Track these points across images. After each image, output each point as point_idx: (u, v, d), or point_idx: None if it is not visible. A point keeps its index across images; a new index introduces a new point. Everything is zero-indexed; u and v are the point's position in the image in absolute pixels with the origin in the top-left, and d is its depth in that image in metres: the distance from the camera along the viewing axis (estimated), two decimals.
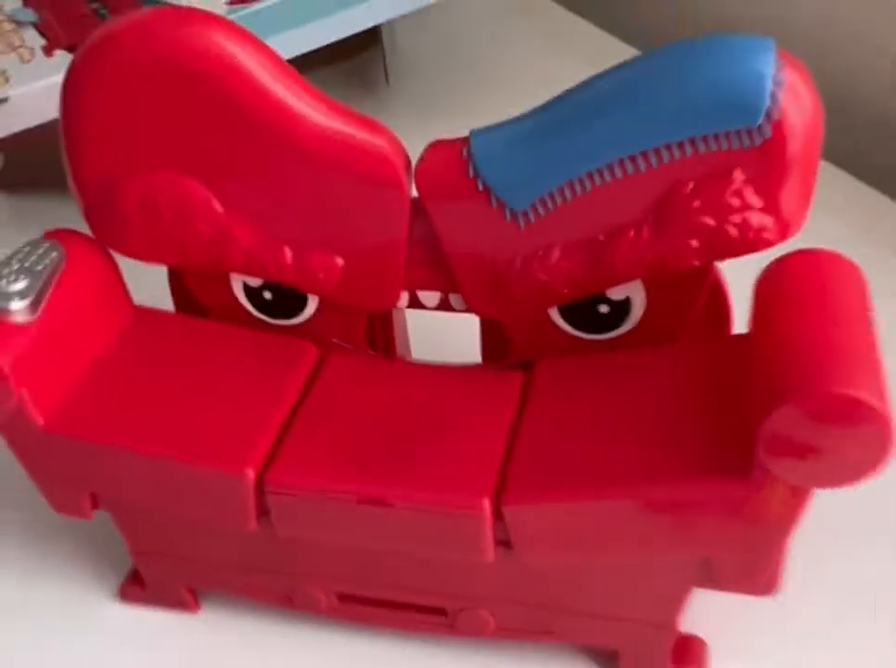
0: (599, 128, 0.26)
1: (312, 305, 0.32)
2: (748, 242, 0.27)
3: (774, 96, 0.25)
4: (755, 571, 0.26)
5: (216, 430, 0.29)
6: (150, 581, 0.33)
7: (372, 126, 0.29)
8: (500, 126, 0.28)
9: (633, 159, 0.26)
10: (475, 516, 0.27)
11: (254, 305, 0.33)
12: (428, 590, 0.30)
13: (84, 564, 0.35)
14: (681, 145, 0.26)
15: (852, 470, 0.23)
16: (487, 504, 0.27)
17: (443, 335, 0.35)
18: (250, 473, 0.28)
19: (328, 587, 0.31)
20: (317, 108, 0.28)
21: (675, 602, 0.28)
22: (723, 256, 0.28)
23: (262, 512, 0.29)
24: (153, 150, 0.29)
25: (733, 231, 0.27)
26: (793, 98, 0.25)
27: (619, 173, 0.27)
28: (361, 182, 0.29)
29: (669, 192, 0.27)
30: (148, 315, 0.33)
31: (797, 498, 0.25)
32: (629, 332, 0.30)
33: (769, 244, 0.27)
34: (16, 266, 0.30)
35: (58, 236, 0.32)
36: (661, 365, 0.29)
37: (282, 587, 0.32)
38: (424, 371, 0.32)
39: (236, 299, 0.33)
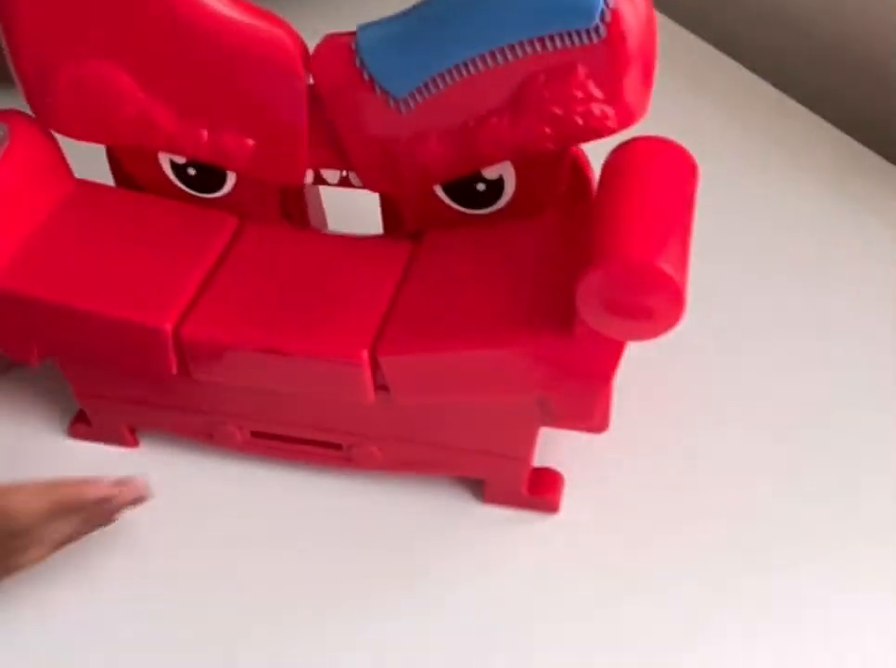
0: (459, 26, 0.30)
1: (231, 180, 0.36)
2: (593, 129, 0.31)
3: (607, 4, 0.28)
4: (587, 412, 0.31)
5: (141, 288, 0.34)
6: (94, 420, 0.38)
7: (271, 18, 0.32)
8: (382, 22, 0.32)
9: (491, 54, 0.30)
10: (354, 364, 0.32)
11: (181, 180, 0.37)
12: (325, 427, 0.36)
13: (37, 409, 0.40)
14: (529, 42, 0.30)
15: (652, 328, 0.28)
16: (365, 354, 0.32)
17: (355, 209, 0.39)
18: (168, 326, 0.33)
19: (243, 425, 0.36)
20: (223, 1, 0.32)
21: (526, 438, 0.33)
22: (573, 141, 0.32)
23: (181, 360, 0.34)
24: (81, 39, 0.33)
25: (578, 119, 0.30)
26: (626, 1, 0.29)
27: (479, 66, 0.30)
28: (262, 68, 0.33)
29: (523, 84, 0.30)
30: (89, 188, 0.37)
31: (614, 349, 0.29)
32: (504, 207, 0.34)
33: (611, 131, 0.31)
34: None
35: (3, 116, 0.35)
36: (526, 235, 0.33)
37: (204, 425, 0.37)
38: (328, 240, 0.36)
39: (165, 175, 0.37)
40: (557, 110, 0.30)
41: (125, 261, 0.35)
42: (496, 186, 0.34)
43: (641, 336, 0.28)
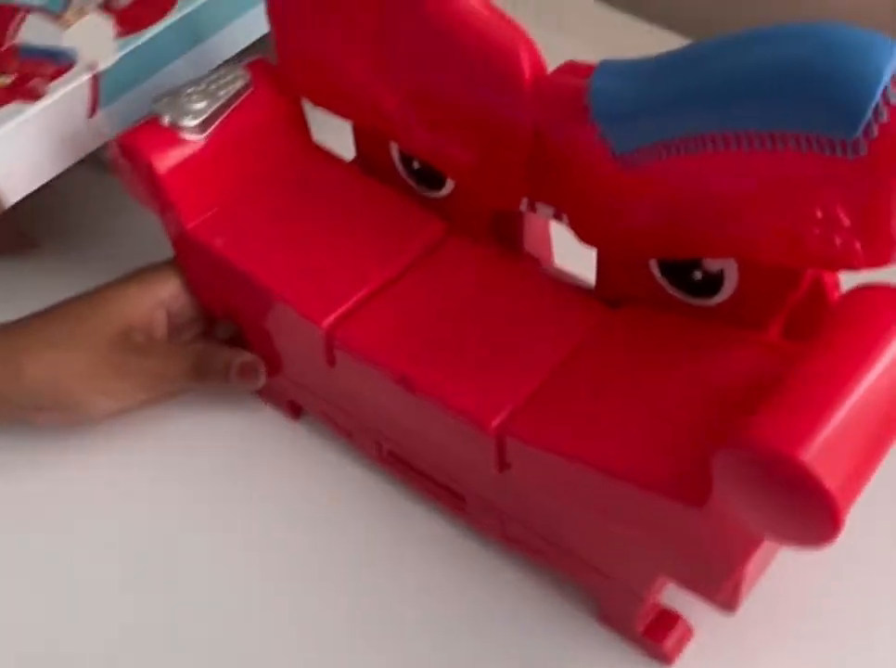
0: (708, 95, 0.24)
1: (449, 185, 0.33)
2: (832, 258, 0.24)
3: (878, 110, 0.22)
4: (712, 588, 0.26)
5: (318, 278, 0.32)
6: (263, 389, 0.38)
7: (515, 30, 0.29)
8: (627, 63, 0.27)
9: (735, 136, 0.24)
10: (481, 432, 0.28)
11: (406, 170, 0.35)
12: (454, 477, 0.32)
13: None
14: (778, 137, 0.23)
15: (796, 535, 0.22)
16: (494, 425, 0.28)
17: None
18: (324, 325, 0.31)
19: (383, 441, 0.34)
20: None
21: (647, 577, 0.28)
22: (802, 264, 0.25)
23: (333, 360, 0.32)
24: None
25: (813, 243, 0.24)
26: None
27: (716, 146, 0.25)
28: (494, 81, 0.29)
29: (759, 181, 0.24)
30: (321, 157, 0.36)
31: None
32: (720, 304, 0.29)
33: (855, 267, 0.24)
34: (202, 87, 0.34)
35: (252, 66, 0.35)
36: (732, 350, 0.28)
37: (348, 425, 0.35)
38: (524, 275, 0.32)
39: (393, 162, 0.35)
40: (786, 224, 0.24)
41: (317, 243, 0.33)
42: (715, 280, 0.28)
43: (786, 539, 0.22)
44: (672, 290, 0.30)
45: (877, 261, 0.24)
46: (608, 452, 0.26)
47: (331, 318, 0.31)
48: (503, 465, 0.29)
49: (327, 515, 0.35)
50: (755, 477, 0.21)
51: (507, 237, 0.34)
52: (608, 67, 0.27)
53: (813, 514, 0.21)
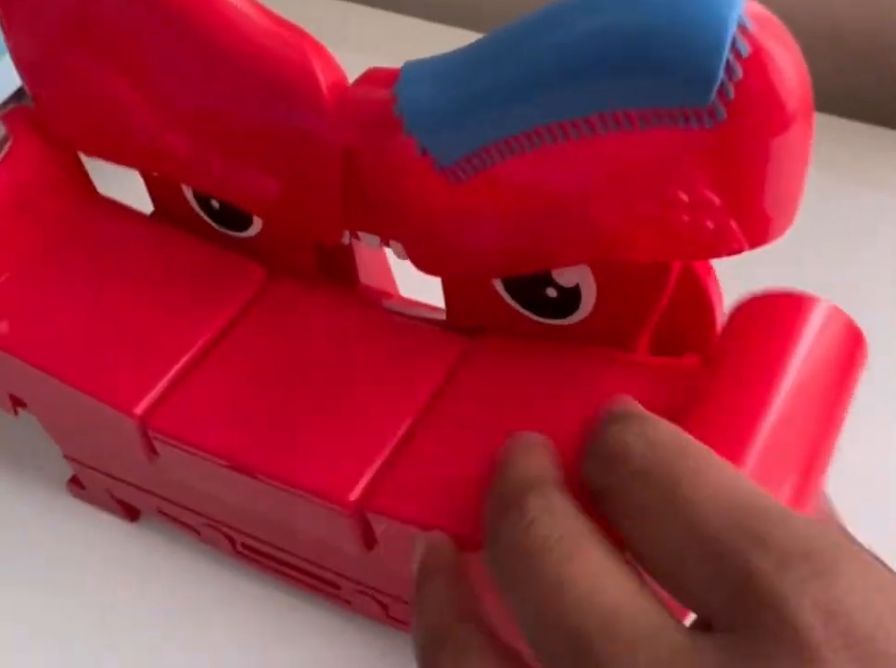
0: (528, 83, 0.20)
1: (258, 223, 0.29)
2: (707, 246, 0.21)
3: (731, 67, 0.18)
4: None
5: (121, 353, 0.27)
6: (87, 484, 0.32)
7: (295, 32, 0.24)
8: (434, 60, 0.23)
9: (571, 124, 0.20)
10: (339, 511, 0.24)
11: (204, 211, 0.30)
12: (319, 564, 0.28)
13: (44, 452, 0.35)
14: (621, 115, 0.20)
15: None
16: (353, 499, 0.23)
17: None
18: (137, 413, 0.26)
19: (233, 534, 0.29)
20: (249, 10, 0.24)
21: None
22: (676, 257, 0.22)
23: (154, 451, 0.27)
24: (81, 38, 0.26)
25: (682, 231, 0.21)
26: (761, 71, 0.18)
27: (554, 139, 0.21)
28: (288, 97, 0.24)
29: (609, 171, 0.21)
30: (108, 209, 0.31)
31: None
32: (580, 323, 0.25)
33: (734, 251, 0.21)
34: None
35: (9, 118, 0.29)
36: (595, 377, 0.24)
37: (191, 521, 0.30)
38: (365, 316, 0.28)
39: (189, 205, 0.30)
40: (650, 212, 0.21)
41: (117, 312, 0.28)
42: (571, 295, 0.25)
43: None
44: (525, 312, 0.26)
45: (759, 239, 0.20)
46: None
47: (143, 404, 0.26)
48: (369, 542, 0.24)
49: (201, 628, 0.30)
50: None
51: (338, 273, 0.30)
52: (413, 70, 0.23)
53: None
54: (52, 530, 0.33)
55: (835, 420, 0.20)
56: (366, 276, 0.30)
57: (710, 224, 0.20)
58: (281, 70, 0.24)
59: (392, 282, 0.32)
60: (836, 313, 0.22)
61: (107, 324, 0.28)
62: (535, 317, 0.25)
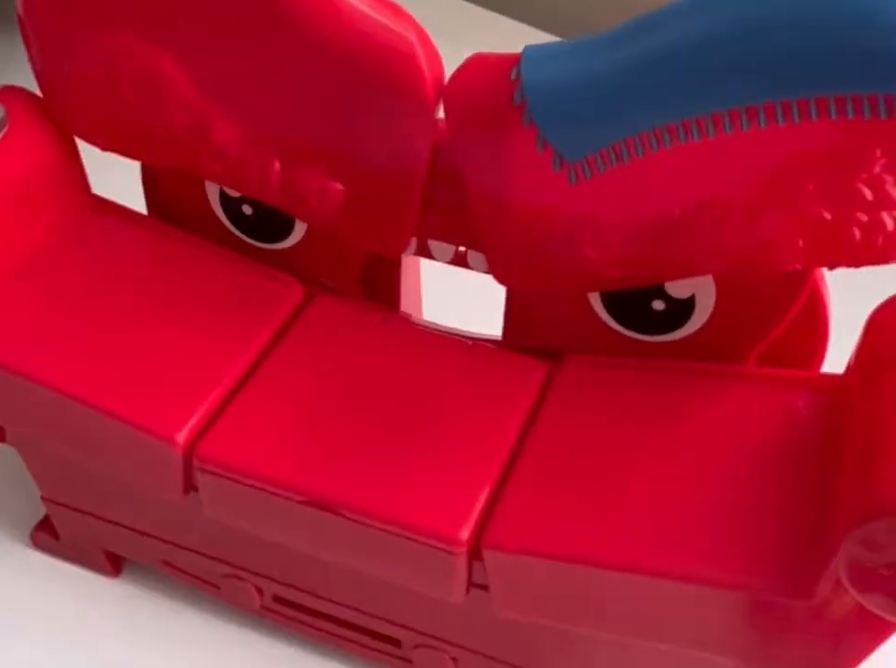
0: (693, 69, 0.19)
1: (299, 231, 0.26)
2: (875, 251, 0.19)
3: None
4: None
5: (154, 377, 0.23)
6: (64, 533, 0.28)
7: (400, 15, 0.22)
8: (564, 48, 0.21)
9: (731, 114, 0.19)
10: (448, 551, 0.21)
11: (231, 219, 0.27)
12: (383, 616, 0.24)
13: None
14: (802, 104, 0.19)
15: None
16: (465, 539, 0.21)
17: (465, 295, 0.28)
18: (181, 439, 0.22)
19: (265, 585, 0.25)
20: None
21: None
22: (835, 263, 0.20)
23: (192, 485, 0.23)
24: (117, 8, 0.23)
25: (855, 232, 0.19)
26: None
27: (709, 131, 0.20)
28: (377, 84, 0.22)
29: (776, 167, 0.19)
30: (110, 211, 0.27)
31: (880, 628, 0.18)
32: (685, 339, 0.23)
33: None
34: None
35: (5, 96, 0.25)
36: (724, 395, 0.22)
37: (210, 573, 0.26)
38: (426, 338, 0.25)
39: (210, 209, 0.27)
40: (826, 214, 0.19)
41: (139, 328, 0.24)
42: (682, 309, 0.23)
43: None
44: (620, 328, 0.24)
45: None
46: (634, 548, 0.19)
47: (186, 430, 0.22)
48: (474, 585, 0.21)
49: None
50: None
51: (378, 294, 0.27)
52: (539, 52, 0.21)
53: None
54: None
55: None
56: (404, 298, 0.27)
57: (889, 225, 0.19)
58: (383, 59, 0.22)
59: (421, 308, 0.29)
60: None
61: (130, 344, 0.24)
62: (631, 334, 0.24)
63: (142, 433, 0.22)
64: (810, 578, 0.18)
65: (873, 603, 0.17)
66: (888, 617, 0.18)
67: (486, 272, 0.24)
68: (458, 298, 0.29)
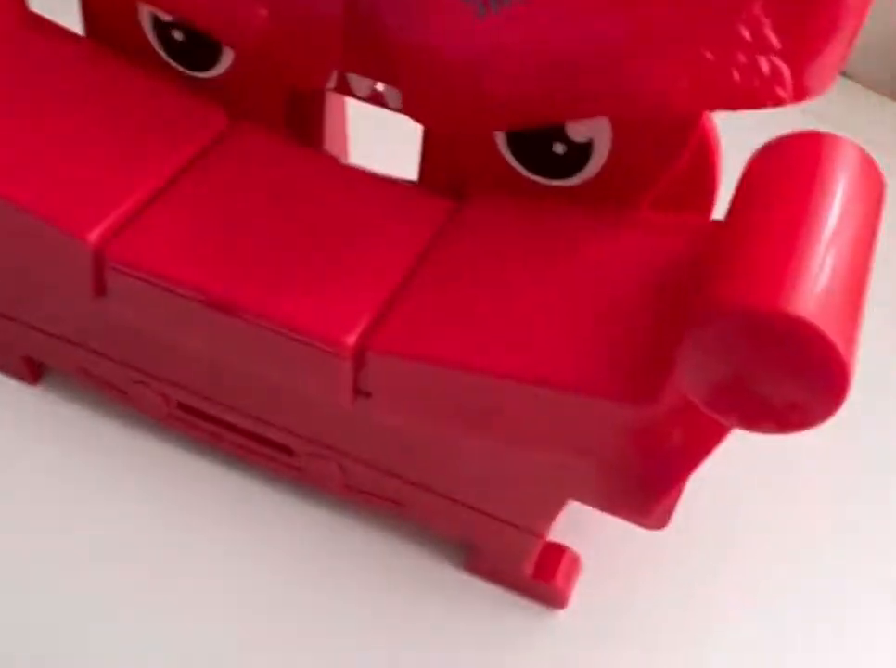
0: None
1: (227, 59, 0.27)
2: (752, 93, 0.21)
3: None
4: (647, 502, 0.22)
5: (73, 183, 0.24)
6: None
7: None
8: None
9: None
10: (333, 352, 0.22)
11: (163, 46, 0.27)
12: (278, 423, 0.26)
13: None
14: None
15: (792, 419, 0.18)
16: (351, 342, 0.22)
17: (391, 140, 0.29)
18: (92, 238, 0.23)
19: (169, 391, 0.27)
20: None
21: (548, 509, 0.24)
22: (716, 105, 0.21)
23: (103, 287, 0.24)
24: None
25: (735, 73, 0.20)
26: None
27: None
28: None
29: (661, 7, 0.20)
30: (45, 29, 0.27)
31: (711, 431, 0.19)
32: (584, 183, 0.24)
33: (778, 101, 0.21)
34: None
35: None
36: (608, 234, 0.23)
37: (118, 378, 0.27)
38: (343, 172, 0.26)
39: (144, 34, 0.27)
40: (708, 54, 0.20)
41: (67, 141, 0.25)
42: (580, 152, 0.24)
43: (769, 427, 0.18)
44: (523, 170, 0.25)
45: (802, 92, 0.21)
46: (513, 358, 0.21)
47: (98, 230, 0.24)
48: (358, 393, 0.23)
49: (108, 495, 0.27)
50: (740, 354, 0.17)
51: (302, 129, 0.28)
52: None
53: (820, 380, 0.17)
54: None
55: (867, 255, 0.20)
56: (328, 137, 0.28)
57: (764, 68, 0.20)
58: None
59: (347, 147, 0.30)
60: (851, 147, 0.22)
61: (53, 152, 0.25)
62: (534, 176, 0.25)
63: (56, 231, 0.23)
64: (654, 386, 0.19)
65: (713, 412, 0.19)
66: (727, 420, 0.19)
67: (401, 110, 0.25)
68: (385, 146, 0.30)
